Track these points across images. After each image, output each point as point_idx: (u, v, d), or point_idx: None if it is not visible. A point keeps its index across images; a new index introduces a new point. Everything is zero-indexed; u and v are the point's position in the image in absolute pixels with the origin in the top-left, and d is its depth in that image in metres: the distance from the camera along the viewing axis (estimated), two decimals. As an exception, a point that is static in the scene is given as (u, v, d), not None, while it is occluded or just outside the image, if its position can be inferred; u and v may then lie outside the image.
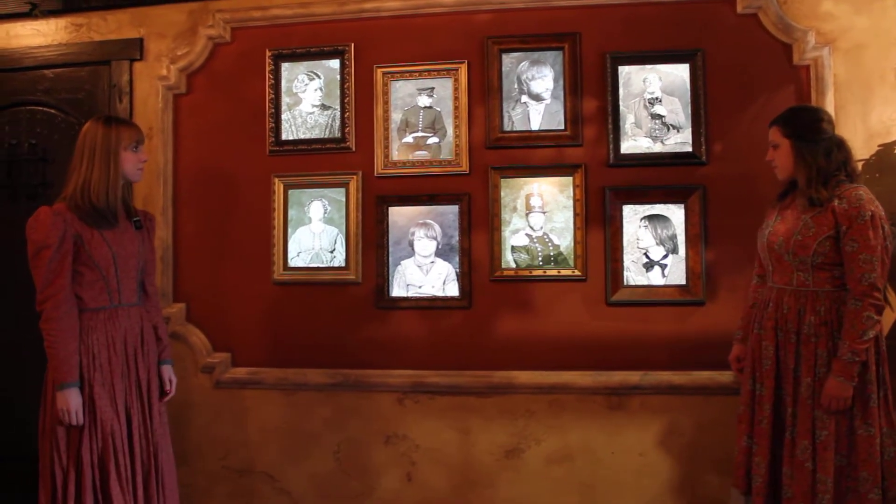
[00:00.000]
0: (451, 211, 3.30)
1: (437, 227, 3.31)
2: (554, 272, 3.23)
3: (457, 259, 3.29)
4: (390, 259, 3.34)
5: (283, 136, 3.43)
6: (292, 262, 3.41)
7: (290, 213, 3.41)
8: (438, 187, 3.32)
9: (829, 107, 3.02)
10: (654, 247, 3.19)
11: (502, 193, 3.27)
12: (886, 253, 2.37)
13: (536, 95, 3.28)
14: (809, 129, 2.50)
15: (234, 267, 3.45)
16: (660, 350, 3.17)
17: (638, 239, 3.20)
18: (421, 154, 3.34)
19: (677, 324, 3.17)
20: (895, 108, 3.07)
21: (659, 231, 3.19)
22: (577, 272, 3.21)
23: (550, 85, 3.27)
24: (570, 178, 3.23)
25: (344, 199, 3.37)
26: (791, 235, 2.46)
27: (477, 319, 3.28)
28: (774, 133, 2.58)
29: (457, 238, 3.29)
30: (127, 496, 2.47)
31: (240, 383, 3.42)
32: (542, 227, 3.24)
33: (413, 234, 3.32)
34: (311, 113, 3.43)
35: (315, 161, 3.40)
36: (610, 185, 3.20)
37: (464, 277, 3.28)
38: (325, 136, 3.40)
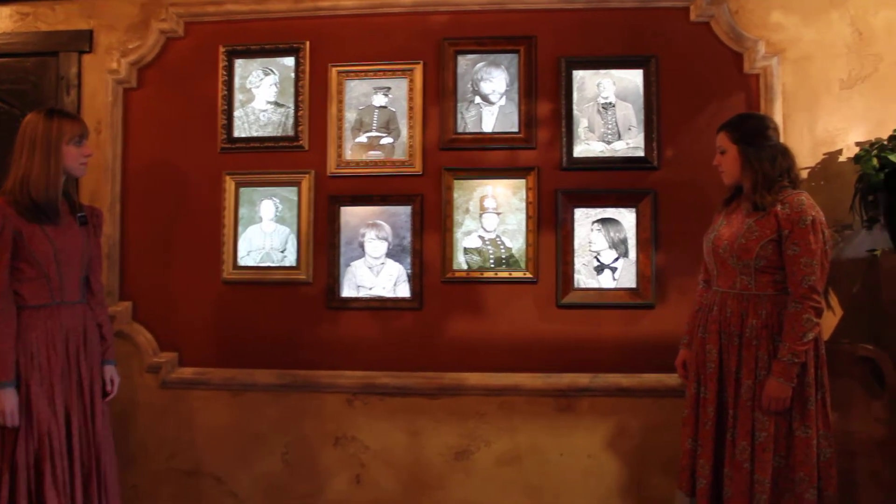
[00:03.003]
0: (404, 212, 3.28)
1: (387, 228, 3.29)
2: (505, 274, 3.23)
3: (408, 260, 3.28)
4: (342, 259, 3.31)
5: (236, 134, 3.38)
6: (242, 262, 3.36)
7: (241, 211, 3.36)
8: (391, 188, 3.30)
9: (778, 115, 3.09)
10: (605, 250, 3.21)
11: (455, 195, 3.26)
12: (826, 257, 2.42)
13: (485, 97, 3.28)
14: (756, 135, 2.54)
15: (183, 265, 3.39)
16: (609, 352, 3.20)
17: (590, 242, 3.22)
18: (374, 154, 3.32)
19: (627, 326, 3.19)
20: (840, 117, 3.14)
21: (611, 234, 3.21)
22: (528, 274, 3.22)
23: (501, 87, 3.28)
24: (523, 181, 3.24)
25: (296, 199, 3.33)
26: (735, 239, 2.50)
27: (428, 321, 3.27)
28: (722, 139, 2.61)
29: (408, 239, 3.28)
30: (63, 499, 2.41)
31: (186, 383, 3.35)
32: (494, 229, 3.25)
33: (363, 235, 3.30)
34: (264, 110, 3.38)
35: (267, 159, 3.36)
36: (562, 188, 3.22)
37: (415, 279, 3.27)
38: (278, 135, 3.36)
